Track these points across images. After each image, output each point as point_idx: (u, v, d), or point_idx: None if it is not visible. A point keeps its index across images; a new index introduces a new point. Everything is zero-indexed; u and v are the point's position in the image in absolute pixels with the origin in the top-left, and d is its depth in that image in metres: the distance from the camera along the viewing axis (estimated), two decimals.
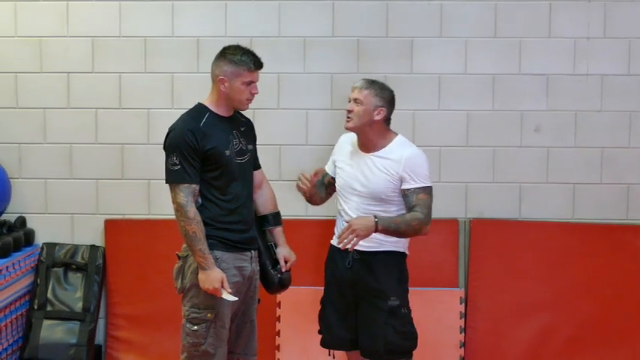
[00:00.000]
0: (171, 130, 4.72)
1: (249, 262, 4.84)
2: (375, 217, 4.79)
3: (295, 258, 5.02)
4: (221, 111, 4.78)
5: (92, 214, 6.26)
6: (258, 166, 5.02)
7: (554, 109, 6.09)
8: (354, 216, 4.88)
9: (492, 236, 6.09)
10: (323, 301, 5.18)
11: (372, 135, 4.95)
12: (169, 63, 6.15)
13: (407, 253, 5.06)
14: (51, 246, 6.23)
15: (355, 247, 4.85)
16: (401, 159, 4.89)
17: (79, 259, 6.20)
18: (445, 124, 6.12)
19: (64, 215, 6.28)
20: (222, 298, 4.64)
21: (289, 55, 6.11)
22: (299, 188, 5.07)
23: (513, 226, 6.10)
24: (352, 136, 5.08)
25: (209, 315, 4.69)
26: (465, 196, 6.11)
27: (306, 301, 5.67)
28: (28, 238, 6.18)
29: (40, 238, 6.27)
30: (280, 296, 5.88)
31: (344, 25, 6.09)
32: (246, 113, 4.98)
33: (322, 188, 5.16)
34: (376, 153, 4.95)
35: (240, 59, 4.71)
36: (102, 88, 6.18)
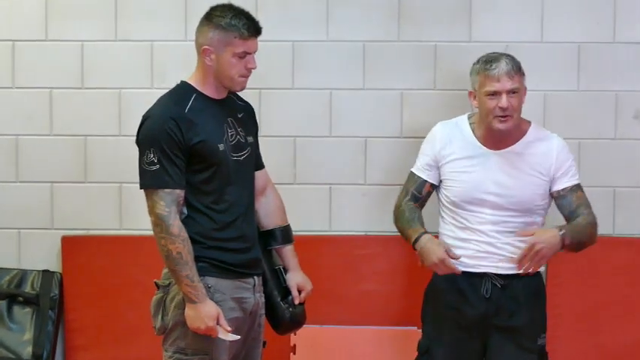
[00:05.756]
0: (146, 117, 4.58)
1: (251, 292, 4.71)
2: (560, 228, 4.79)
3: (312, 287, 4.89)
4: (210, 92, 4.65)
5: (45, 229, 6.19)
6: (261, 166, 4.91)
7: None
8: (490, 234, 4.90)
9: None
10: (428, 347, 5.08)
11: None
12: (148, 28, 6.14)
13: None
14: None
15: (496, 272, 4.92)
16: (550, 153, 4.92)
17: (27, 288, 6.14)
18: None
19: (7, 230, 6.25)
20: (217, 340, 4.54)
21: (306, 16, 6.04)
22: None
23: (605, 243, 5.87)
24: (457, 127, 5.03)
25: None
26: None
27: (329, 345, 5.67)
28: None
29: None
30: (295, 337, 5.82)
31: None
32: (250, 94, 4.94)
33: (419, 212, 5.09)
34: (510, 149, 4.91)
35: (229, 23, 4.56)
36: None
